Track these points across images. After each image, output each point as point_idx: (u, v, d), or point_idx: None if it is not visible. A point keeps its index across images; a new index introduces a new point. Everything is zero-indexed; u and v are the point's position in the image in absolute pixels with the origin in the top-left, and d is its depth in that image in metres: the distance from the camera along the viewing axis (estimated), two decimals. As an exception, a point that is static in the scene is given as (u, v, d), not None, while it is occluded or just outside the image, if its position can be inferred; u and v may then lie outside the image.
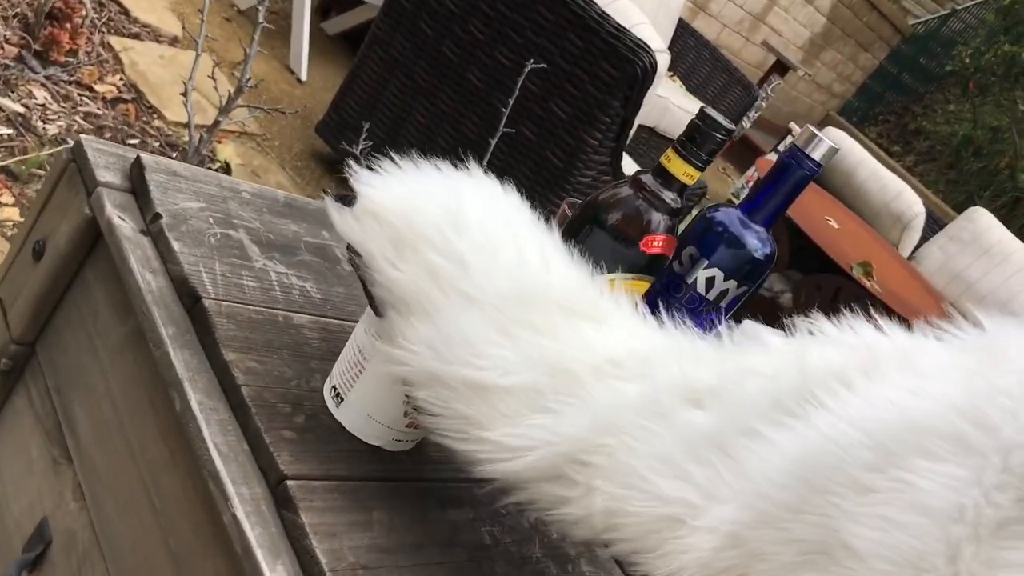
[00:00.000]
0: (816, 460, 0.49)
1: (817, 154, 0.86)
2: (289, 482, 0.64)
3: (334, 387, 0.73)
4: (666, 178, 0.81)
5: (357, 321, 0.73)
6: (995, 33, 8.84)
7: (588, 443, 0.57)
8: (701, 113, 0.79)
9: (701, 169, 0.81)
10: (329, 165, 3.09)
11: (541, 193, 2.48)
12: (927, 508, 0.43)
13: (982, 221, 4.86)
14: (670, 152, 0.81)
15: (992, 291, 4.66)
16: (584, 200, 0.87)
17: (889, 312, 3.15)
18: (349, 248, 0.67)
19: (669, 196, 0.82)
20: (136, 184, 0.83)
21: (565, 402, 0.59)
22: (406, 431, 0.72)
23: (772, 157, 4.88)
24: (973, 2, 9.46)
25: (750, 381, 0.56)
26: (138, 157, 0.83)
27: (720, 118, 0.79)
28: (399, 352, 0.63)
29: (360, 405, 0.71)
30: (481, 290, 0.62)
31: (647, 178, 0.82)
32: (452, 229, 0.64)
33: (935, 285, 4.57)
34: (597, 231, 0.82)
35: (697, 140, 0.79)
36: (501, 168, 2.52)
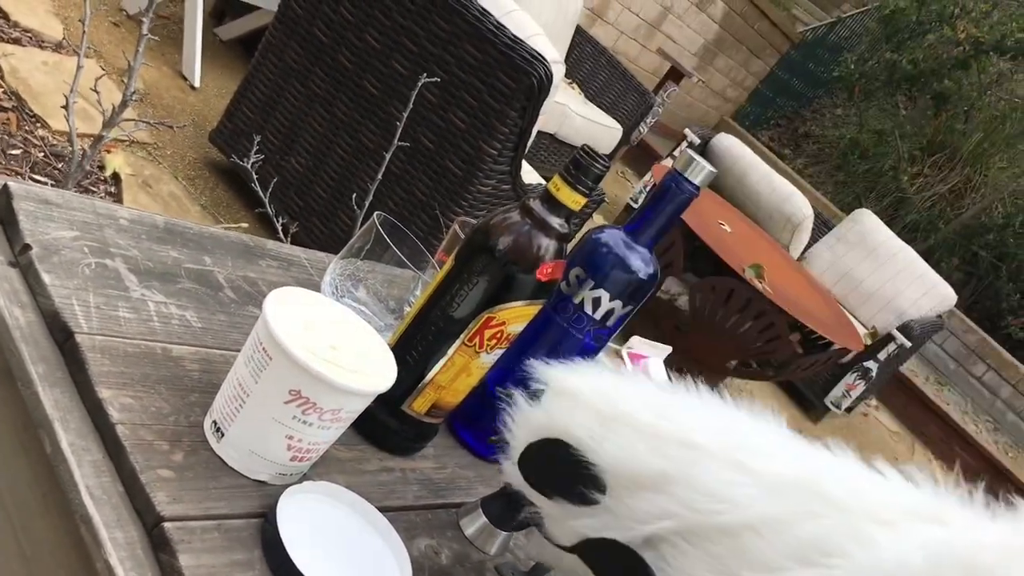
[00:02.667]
0: None
1: (696, 178, 0.88)
2: (166, 524, 0.62)
3: (215, 421, 0.71)
4: (554, 204, 0.82)
5: (239, 351, 0.72)
6: (878, 41, 9.22)
7: None
8: (583, 147, 0.81)
9: (587, 196, 0.82)
10: (224, 174, 3.02)
11: (441, 202, 2.48)
12: None
13: (868, 222, 5.07)
14: (557, 180, 0.82)
15: (878, 289, 4.86)
16: (474, 225, 0.88)
17: (778, 311, 3.25)
18: (526, 461, 0.68)
19: (557, 222, 0.83)
20: (4, 214, 0.79)
21: (840, 549, 0.56)
22: (290, 464, 0.72)
23: (668, 162, 4.98)
24: (857, 11, 9.85)
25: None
26: (5, 185, 0.80)
27: (597, 153, 0.81)
28: (645, 529, 0.62)
29: (242, 439, 0.70)
30: (705, 435, 0.63)
31: (535, 204, 0.83)
32: (655, 398, 0.67)
33: (824, 284, 4.75)
34: (488, 258, 0.82)
35: (583, 167, 0.80)
36: (399, 176, 2.51)
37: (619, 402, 0.67)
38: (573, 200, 0.82)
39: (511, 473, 0.70)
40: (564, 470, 0.66)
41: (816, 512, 0.58)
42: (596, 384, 0.69)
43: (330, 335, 0.72)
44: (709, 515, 0.60)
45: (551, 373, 0.70)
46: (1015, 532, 0.55)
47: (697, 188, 0.88)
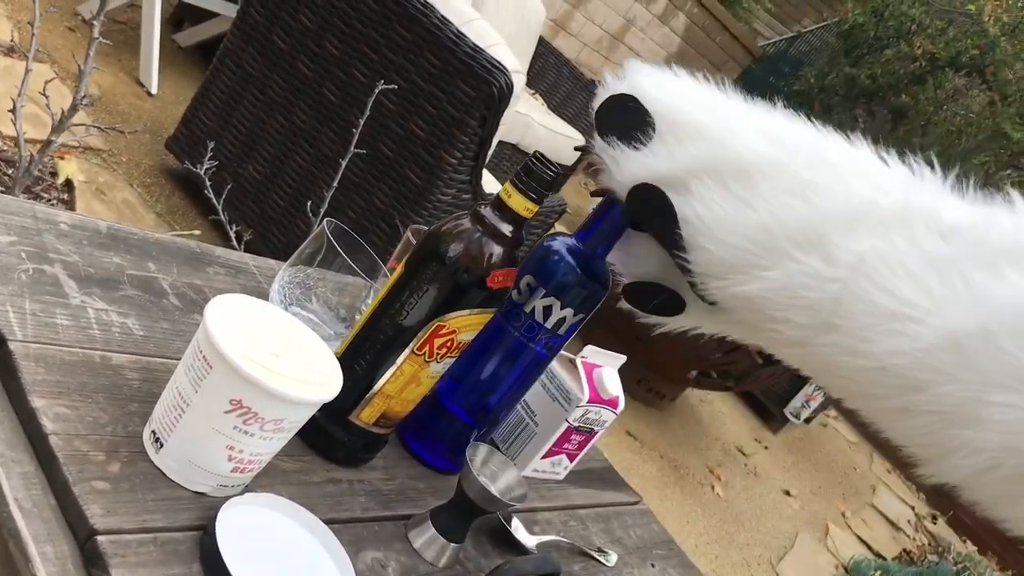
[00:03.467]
0: None
1: (648, 186, 0.88)
2: (99, 537, 0.60)
3: (153, 431, 0.70)
4: (506, 212, 0.82)
5: (180, 359, 0.70)
6: (837, 55, 9.35)
7: (841, 228, 0.72)
8: (535, 154, 0.80)
9: (539, 203, 0.81)
10: (180, 181, 2.98)
11: (401, 211, 2.46)
12: None
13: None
14: (509, 187, 0.81)
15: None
16: (426, 232, 0.87)
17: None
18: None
19: (508, 229, 0.82)
20: (-64, 217, 0.77)
21: (826, 188, 0.75)
22: (231, 476, 0.70)
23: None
24: (817, 25, 9.99)
25: (994, 230, 0.67)
26: (-62, 188, 0.77)
27: (549, 159, 0.80)
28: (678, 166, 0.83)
29: (181, 450, 0.68)
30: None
31: (487, 211, 0.83)
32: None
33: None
34: (438, 265, 0.81)
35: (535, 175, 0.80)
36: (359, 184, 2.49)
37: (687, 87, 0.88)
38: (525, 207, 0.81)
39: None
40: (628, 118, 0.85)
41: (814, 166, 0.78)
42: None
43: (274, 343, 0.70)
44: (734, 152, 0.79)
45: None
46: None
47: (649, 196, 0.88)
